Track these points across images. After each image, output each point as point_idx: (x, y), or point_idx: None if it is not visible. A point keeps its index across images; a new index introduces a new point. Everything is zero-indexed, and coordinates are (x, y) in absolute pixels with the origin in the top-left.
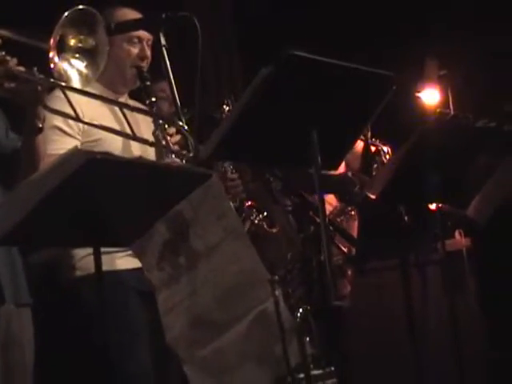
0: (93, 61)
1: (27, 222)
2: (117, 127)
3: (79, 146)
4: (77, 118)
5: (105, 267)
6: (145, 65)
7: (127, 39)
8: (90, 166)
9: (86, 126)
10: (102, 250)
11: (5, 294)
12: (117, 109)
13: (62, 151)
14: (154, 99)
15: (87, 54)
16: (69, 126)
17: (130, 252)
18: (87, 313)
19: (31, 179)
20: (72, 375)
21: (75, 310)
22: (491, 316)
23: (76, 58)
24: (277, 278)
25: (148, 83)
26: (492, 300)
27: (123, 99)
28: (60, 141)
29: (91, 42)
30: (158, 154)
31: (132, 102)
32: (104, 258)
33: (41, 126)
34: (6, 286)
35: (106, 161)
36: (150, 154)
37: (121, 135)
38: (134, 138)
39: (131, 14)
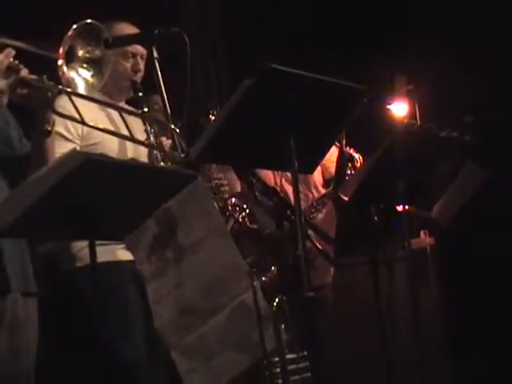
0: (98, 71)
1: (28, 216)
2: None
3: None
4: (82, 122)
5: (106, 258)
6: (138, 77)
7: (122, 54)
8: (87, 166)
9: (84, 131)
10: (103, 241)
11: (11, 283)
12: (114, 115)
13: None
14: (146, 109)
15: (93, 64)
16: (68, 131)
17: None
18: (86, 302)
19: (32, 177)
20: (72, 363)
21: (74, 298)
22: (450, 306)
23: (83, 67)
24: (254, 270)
25: (140, 94)
26: (452, 292)
27: (121, 104)
28: (59, 145)
29: (97, 53)
30: (150, 157)
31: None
32: (105, 248)
33: (50, 129)
34: (12, 276)
35: (101, 161)
36: (143, 156)
37: (119, 136)
38: (132, 139)
39: (128, 29)
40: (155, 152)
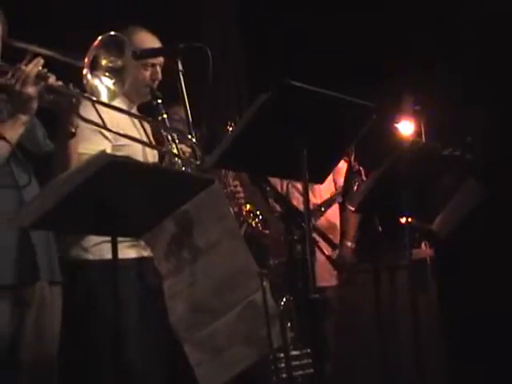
0: (120, 79)
1: (56, 211)
2: (136, 135)
3: (110, 148)
4: (104, 126)
5: (109, 255)
6: (155, 84)
7: (143, 64)
8: (112, 166)
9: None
10: (107, 239)
11: (40, 272)
12: (136, 120)
13: (95, 151)
14: (165, 116)
15: (115, 72)
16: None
17: (133, 243)
18: (92, 292)
19: (63, 175)
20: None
21: (81, 288)
22: (448, 313)
23: (106, 75)
24: (265, 271)
25: (160, 101)
26: (449, 300)
27: (134, 109)
28: (98, 142)
29: (119, 62)
30: (169, 161)
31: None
32: (109, 246)
33: (74, 131)
34: (42, 265)
35: (125, 163)
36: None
37: (139, 142)
38: (150, 145)
39: (149, 40)
40: (176, 158)
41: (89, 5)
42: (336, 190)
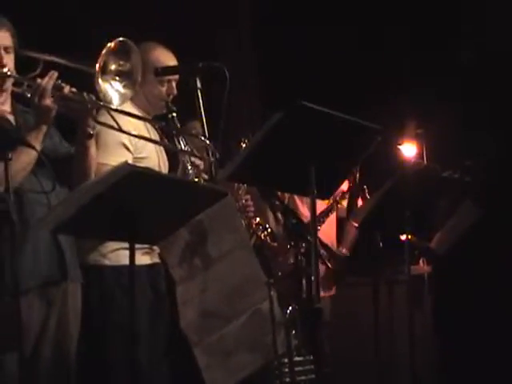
0: (129, 82)
1: (78, 217)
2: (153, 148)
3: (131, 160)
4: (119, 129)
5: (125, 261)
6: (170, 98)
7: (160, 80)
8: (133, 176)
9: (138, 143)
10: (124, 245)
11: (68, 273)
12: (151, 131)
13: (116, 163)
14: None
15: (125, 76)
16: (130, 142)
17: (147, 250)
18: (107, 296)
19: (87, 183)
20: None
21: (97, 291)
22: (442, 327)
23: (116, 80)
24: (272, 281)
25: (174, 114)
26: (443, 315)
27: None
28: (121, 155)
29: (128, 66)
30: (183, 172)
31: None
32: (125, 252)
33: (92, 132)
34: (69, 265)
35: (147, 174)
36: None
37: (159, 144)
38: (163, 144)
39: (165, 55)
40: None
41: (105, 22)
42: (330, 201)
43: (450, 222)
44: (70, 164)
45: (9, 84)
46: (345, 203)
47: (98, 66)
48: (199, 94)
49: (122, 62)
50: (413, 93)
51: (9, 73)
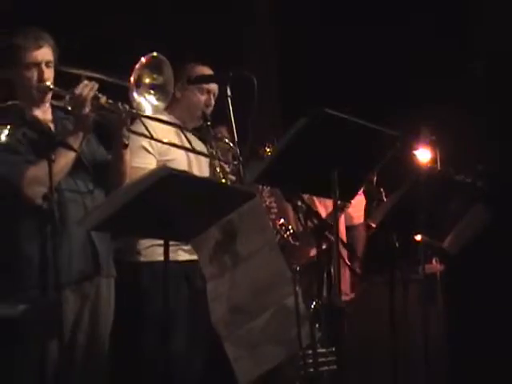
0: (162, 94)
1: (117, 216)
2: (182, 151)
3: (155, 163)
4: (151, 137)
5: (161, 257)
6: (208, 110)
7: (199, 89)
8: (171, 178)
9: (162, 148)
10: (157, 242)
11: (101, 269)
12: (183, 138)
13: (143, 165)
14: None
15: (158, 89)
16: (151, 146)
17: (180, 247)
18: (143, 289)
19: (128, 184)
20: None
21: (135, 286)
22: (454, 323)
23: (150, 93)
24: (298, 277)
25: (209, 123)
26: (456, 312)
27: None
28: (143, 157)
29: (161, 80)
30: (212, 175)
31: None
32: (159, 249)
33: (127, 142)
34: (102, 262)
35: (182, 176)
36: (205, 174)
37: (190, 151)
38: (194, 150)
39: (205, 70)
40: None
41: (141, 41)
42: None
43: (461, 224)
44: (106, 169)
45: (49, 96)
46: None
47: (132, 79)
48: (229, 102)
49: (155, 76)
50: (427, 102)
51: (51, 86)
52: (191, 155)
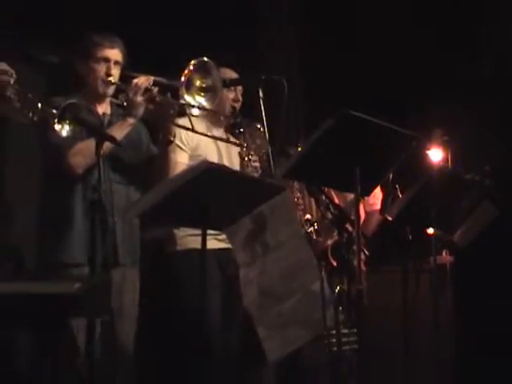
0: (210, 96)
1: (160, 206)
2: (214, 148)
3: (187, 157)
4: (193, 130)
5: (195, 245)
6: (237, 105)
7: (227, 88)
8: (209, 172)
9: (194, 144)
10: (195, 232)
11: (119, 258)
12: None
13: (179, 159)
14: (241, 130)
15: (207, 91)
16: (182, 143)
17: (213, 236)
18: (181, 277)
19: (171, 177)
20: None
21: (173, 273)
22: (462, 314)
23: (199, 94)
24: (324, 264)
25: (238, 119)
26: (464, 300)
27: (221, 130)
28: (178, 154)
29: (209, 82)
30: (242, 168)
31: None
32: (197, 238)
33: (172, 139)
34: (121, 253)
35: (220, 170)
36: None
37: (225, 141)
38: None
39: (229, 73)
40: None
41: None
42: None
43: (470, 219)
44: (151, 163)
45: (111, 91)
46: None
47: (182, 80)
48: (261, 103)
49: (204, 79)
50: (440, 107)
51: (113, 81)
52: (222, 149)
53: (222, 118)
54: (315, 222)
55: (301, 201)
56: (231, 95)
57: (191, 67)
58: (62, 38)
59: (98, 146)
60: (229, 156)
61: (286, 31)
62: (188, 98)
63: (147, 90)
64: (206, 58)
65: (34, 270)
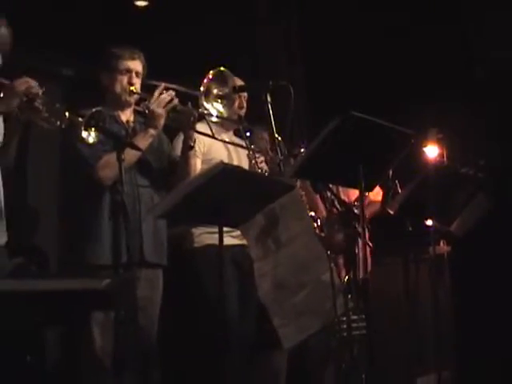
0: (227, 103)
1: (180, 205)
2: (225, 152)
3: (200, 161)
4: (213, 136)
5: (213, 241)
6: (242, 112)
7: None
8: (224, 171)
9: (205, 149)
10: (211, 229)
11: (145, 256)
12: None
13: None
14: (248, 134)
15: (224, 98)
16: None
17: (228, 233)
18: (199, 271)
19: (189, 179)
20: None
21: (191, 268)
22: (459, 297)
23: (217, 101)
24: (333, 255)
25: (244, 124)
26: (461, 288)
27: (230, 133)
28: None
29: (226, 90)
30: (251, 169)
31: (234, 138)
32: (213, 236)
33: (192, 144)
34: (147, 252)
35: (234, 170)
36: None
37: (234, 144)
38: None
39: (237, 80)
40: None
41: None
42: None
43: (466, 211)
44: (173, 169)
45: (133, 99)
46: None
47: (202, 88)
48: (269, 108)
49: (221, 88)
50: (436, 106)
51: (134, 90)
52: (232, 152)
53: (229, 123)
54: (318, 218)
55: (304, 198)
56: (237, 102)
57: (210, 76)
58: (77, 51)
59: (119, 152)
60: (238, 159)
61: (286, 31)
62: (207, 106)
63: (170, 101)
64: (222, 68)
65: (59, 270)
